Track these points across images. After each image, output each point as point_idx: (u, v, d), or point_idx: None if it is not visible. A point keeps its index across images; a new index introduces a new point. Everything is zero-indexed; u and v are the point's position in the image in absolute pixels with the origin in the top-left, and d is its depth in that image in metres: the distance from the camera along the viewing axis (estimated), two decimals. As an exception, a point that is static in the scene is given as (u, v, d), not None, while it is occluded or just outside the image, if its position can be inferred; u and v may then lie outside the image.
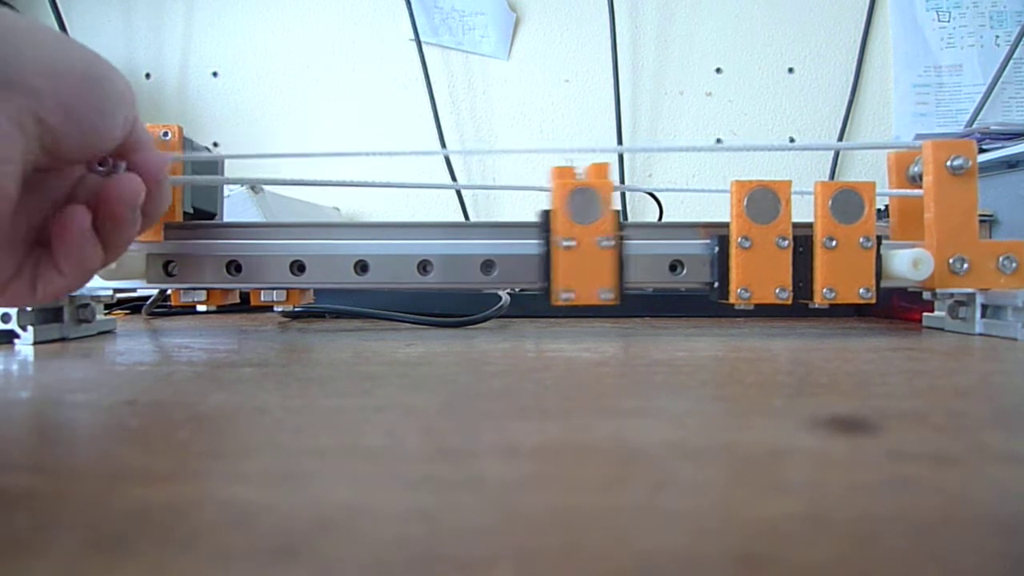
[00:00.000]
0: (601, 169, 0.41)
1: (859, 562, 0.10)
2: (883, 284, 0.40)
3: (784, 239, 0.39)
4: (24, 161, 0.23)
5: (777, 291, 0.40)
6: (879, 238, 0.40)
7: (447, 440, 0.17)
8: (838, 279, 0.39)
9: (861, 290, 0.39)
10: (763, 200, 0.39)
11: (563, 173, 0.40)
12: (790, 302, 0.40)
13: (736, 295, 0.39)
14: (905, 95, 0.91)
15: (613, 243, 0.39)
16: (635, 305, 0.59)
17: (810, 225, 0.40)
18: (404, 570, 0.10)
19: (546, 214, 0.39)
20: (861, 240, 0.39)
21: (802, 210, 0.40)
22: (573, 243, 0.38)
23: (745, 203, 0.39)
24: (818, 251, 0.40)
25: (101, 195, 0.28)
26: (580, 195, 0.39)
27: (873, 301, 0.39)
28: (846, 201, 0.39)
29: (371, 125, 0.97)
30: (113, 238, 0.28)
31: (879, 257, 0.40)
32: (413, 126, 0.96)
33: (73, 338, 0.39)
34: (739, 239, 0.39)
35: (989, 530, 0.12)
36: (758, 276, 0.39)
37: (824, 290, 0.39)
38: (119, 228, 0.28)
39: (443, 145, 0.94)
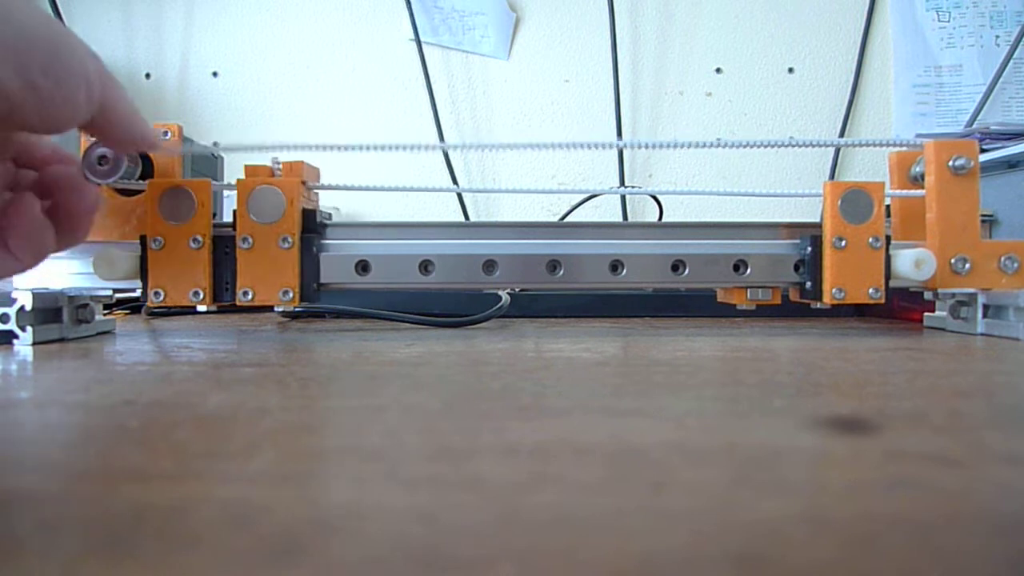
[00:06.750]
0: (295, 167, 0.41)
1: (859, 562, 0.10)
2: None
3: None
4: None
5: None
6: (888, 238, 0.40)
7: (447, 440, 0.17)
8: (847, 279, 0.39)
9: (870, 290, 0.39)
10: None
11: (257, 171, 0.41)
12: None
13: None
14: (905, 95, 0.91)
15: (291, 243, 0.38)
16: (636, 305, 0.59)
17: (818, 225, 0.40)
18: (404, 570, 0.10)
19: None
20: (870, 240, 0.39)
21: (804, 211, 0.40)
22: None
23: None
24: (827, 251, 0.39)
25: (61, 188, 0.29)
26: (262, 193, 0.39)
27: (882, 301, 0.39)
28: (855, 201, 0.39)
29: (371, 125, 0.97)
30: (67, 227, 0.29)
31: (888, 257, 0.40)
32: (413, 126, 0.96)
33: (72, 338, 0.39)
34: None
35: (989, 530, 0.12)
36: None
37: (833, 290, 0.39)
38: (75, 221, 0.30)
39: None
